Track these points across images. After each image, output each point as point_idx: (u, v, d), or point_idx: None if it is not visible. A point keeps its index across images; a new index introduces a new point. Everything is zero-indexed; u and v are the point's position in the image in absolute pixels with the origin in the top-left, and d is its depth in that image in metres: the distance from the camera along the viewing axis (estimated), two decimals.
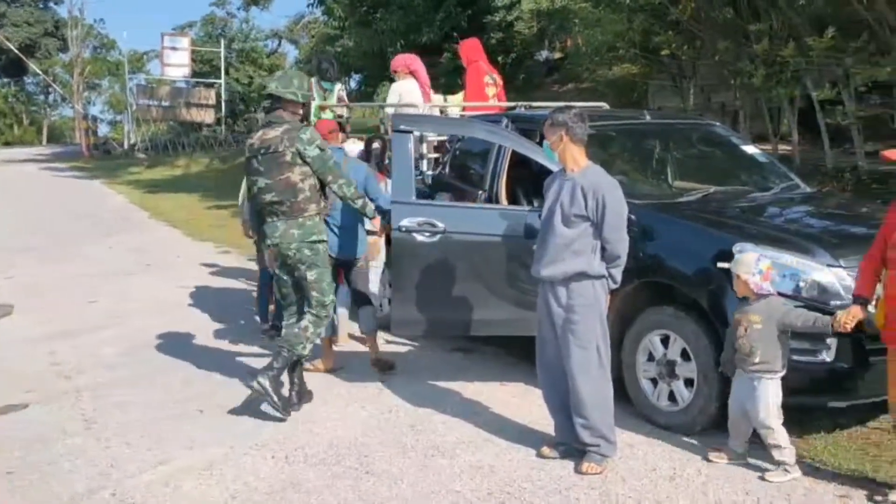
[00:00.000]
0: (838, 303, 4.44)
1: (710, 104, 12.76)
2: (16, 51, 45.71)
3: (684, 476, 4.35)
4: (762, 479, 4.27)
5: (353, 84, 26.60)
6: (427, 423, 5.17)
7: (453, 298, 5.48)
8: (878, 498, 4.01)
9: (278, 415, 5.22)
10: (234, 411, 5.43)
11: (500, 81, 8.81)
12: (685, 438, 4.81)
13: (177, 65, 31.87)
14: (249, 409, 5.41)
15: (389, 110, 8.19)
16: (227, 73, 35.44)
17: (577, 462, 4.46)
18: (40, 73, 49.27)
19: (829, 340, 4.43)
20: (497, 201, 6.05)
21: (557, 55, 21.85)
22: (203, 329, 7.55)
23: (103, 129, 49.97)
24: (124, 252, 12.26)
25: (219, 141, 30.70)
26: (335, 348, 6.51)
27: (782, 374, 4.32)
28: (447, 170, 7.13)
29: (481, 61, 8.77)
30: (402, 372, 6.19)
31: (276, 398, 5.22)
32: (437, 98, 8.84)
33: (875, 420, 4.87)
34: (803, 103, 9.55)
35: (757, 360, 4.28)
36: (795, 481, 4.24)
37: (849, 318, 4.05)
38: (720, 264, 4.61)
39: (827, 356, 4.47)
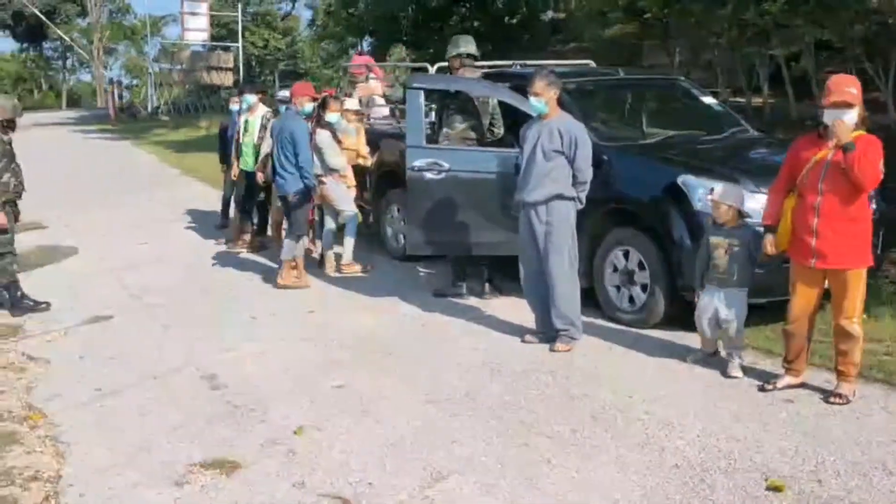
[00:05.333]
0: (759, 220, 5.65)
1: (697, 61, 13.83)
2: (40, 15, 46.92)
3: (633, 353, 5.65)
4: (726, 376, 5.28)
5: (365, 45, 27.65)
6: (434, 323, 6.49)
7: (456, 225, 6.73)
8: (768, 386, 4.98)
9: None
10: (277, 316, 6.78)
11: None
12: (639, 332, 6.07)
13: (196, 29, 32.85)
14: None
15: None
16: (242, 36, 36.48)
17: (552, 344, 5.76)
18: (64, 37, 50.46)
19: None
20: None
21: (561, 15, 22.82)
22: (243, 263, 8.83)
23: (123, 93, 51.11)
24: (162, 204, 13.51)
25: None
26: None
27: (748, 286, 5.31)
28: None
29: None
30: (414, 288, 7.49)
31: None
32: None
33: None
34: (777, 60, 10.65)
35: (735, 277, 5.20)
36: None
37: (769, 247, 5.03)
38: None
39: None
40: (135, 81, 55.02)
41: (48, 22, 49.43)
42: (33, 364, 5.90)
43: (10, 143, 7.01)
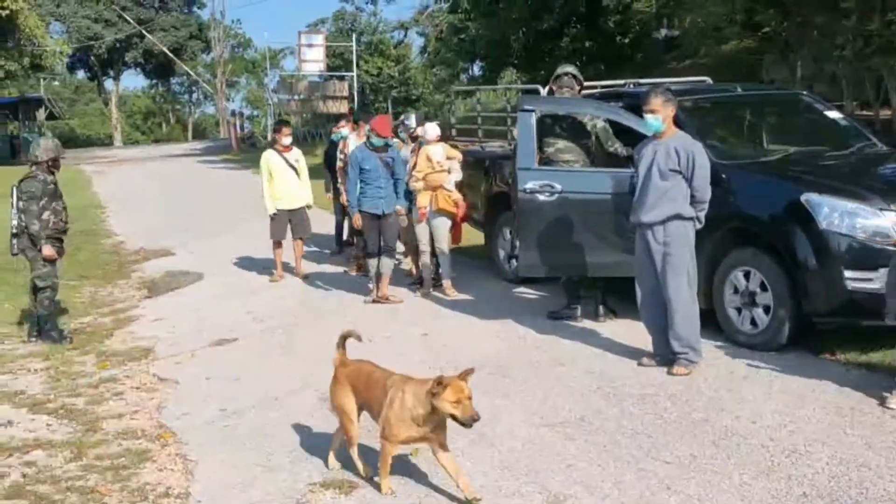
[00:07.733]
0: (891, 240, 5.39)
1: (821, 74, 13.34)
2: (168, 53, 49.58)
3: (756, 377, 5.45)
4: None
5: (476, 70, 27.90)
6: (549, 346, 6.44)
7: (570, 246, 6.68)
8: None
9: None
10: (392, 339, 6.87)
11: None
12: (763, 355, 5.85)
13: (313, 60, 33.86)
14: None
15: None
16: (357, 65, 37.38)
17: (670, 367, 5.62)
18: (190, 73, 53.13)
19: (880, 270, 5.36)
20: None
21: (675, 33, 22.44)
22: (359, 286, 9.00)
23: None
24: None
25: None
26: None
27: None
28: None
29: None
30: (528, 311, 7.46)
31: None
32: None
33: None
34: None
35: None
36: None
37: None
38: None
39: (877, 283, 5.42)
40: (255, 112, 57.15)
41: (175, 59, 52.22)
42: (164, 385, 6.18)
43: (53, 184, 7.39)
